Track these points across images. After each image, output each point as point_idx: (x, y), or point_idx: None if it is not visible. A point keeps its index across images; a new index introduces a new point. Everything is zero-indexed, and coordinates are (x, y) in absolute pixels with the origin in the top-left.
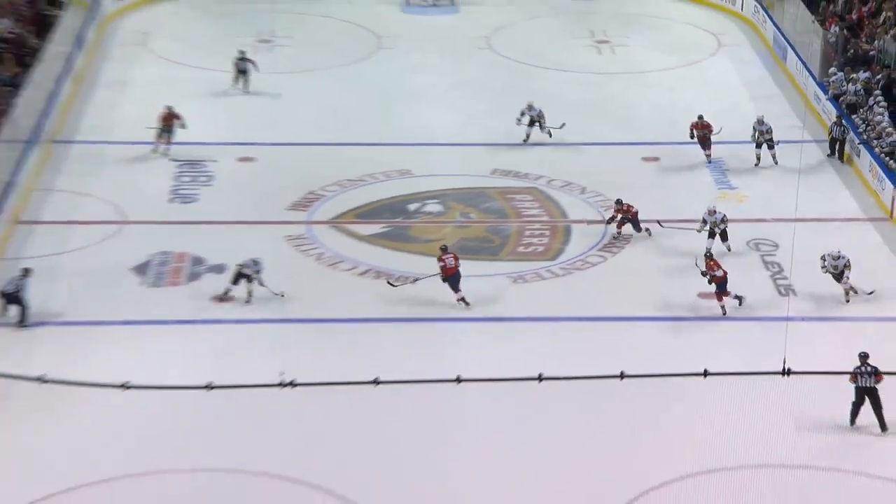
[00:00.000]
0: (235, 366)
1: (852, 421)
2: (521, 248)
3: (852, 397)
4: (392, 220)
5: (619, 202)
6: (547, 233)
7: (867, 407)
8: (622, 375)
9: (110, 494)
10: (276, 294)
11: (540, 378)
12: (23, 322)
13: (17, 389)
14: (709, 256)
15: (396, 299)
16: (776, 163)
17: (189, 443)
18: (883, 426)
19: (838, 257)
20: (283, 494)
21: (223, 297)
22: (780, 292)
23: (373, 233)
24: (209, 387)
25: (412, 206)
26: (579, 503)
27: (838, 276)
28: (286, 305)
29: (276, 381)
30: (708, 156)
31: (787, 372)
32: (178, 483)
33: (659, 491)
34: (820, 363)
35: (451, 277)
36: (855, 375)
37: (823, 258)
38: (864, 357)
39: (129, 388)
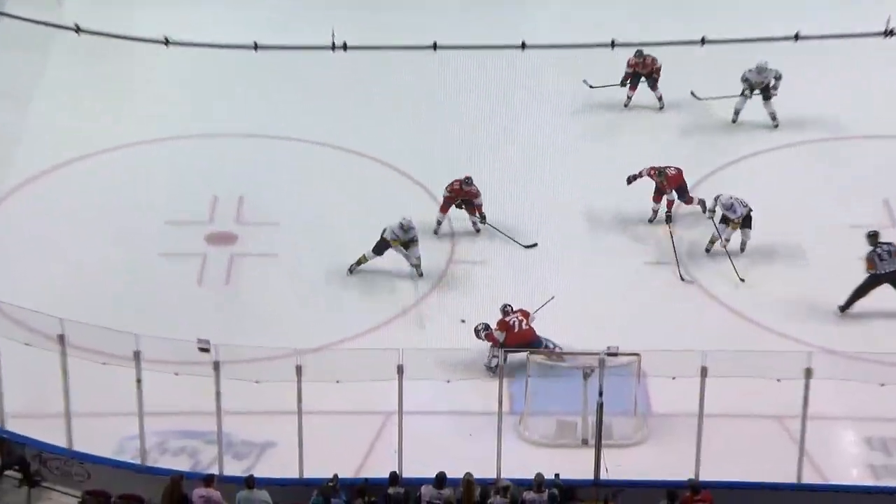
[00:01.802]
0: (285, 30)
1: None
2: None
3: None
4: None
5: (639, 53)
6: None
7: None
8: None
9: (139, 156)
10: None
11: (613, 44)
12: None
13: (53, 44)
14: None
15: None
16: (775, 123)
17: (236, 105)
18: None
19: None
20: (325, 158)
21: None
22: None
23: None
24: (256, 47)
25: None
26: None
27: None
28: None
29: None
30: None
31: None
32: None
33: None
34: None
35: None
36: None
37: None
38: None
39: (171, 43)
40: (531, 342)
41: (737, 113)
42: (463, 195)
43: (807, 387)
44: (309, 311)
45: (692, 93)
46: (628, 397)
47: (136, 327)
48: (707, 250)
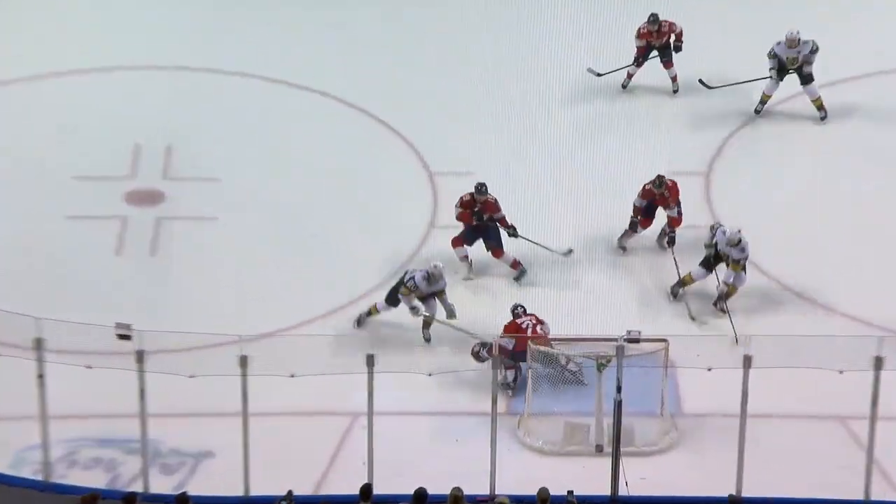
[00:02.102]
0: None
1: None
2: None
3: None
4: None
5: (653, 20)
6: None
7: None
8: None
9: (36, 94)
10: None
11: None
12: None
13: None
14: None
15: None
16: (822, 114)
17: (163, 29)
18: None
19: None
20: (279, 98)
21: None
22: None
23: None
24: None
25: None
26: None
27: None
28: None
29: None
30: None
31: None
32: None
33: None
34: None
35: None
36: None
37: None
38: None
39: None
40: None
41: (763, 102)
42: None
43: (876, 380)
44: (256, 288)
45: (700, 81)
46: (653, 393)
47: (37, 309)
48: (714, 304)
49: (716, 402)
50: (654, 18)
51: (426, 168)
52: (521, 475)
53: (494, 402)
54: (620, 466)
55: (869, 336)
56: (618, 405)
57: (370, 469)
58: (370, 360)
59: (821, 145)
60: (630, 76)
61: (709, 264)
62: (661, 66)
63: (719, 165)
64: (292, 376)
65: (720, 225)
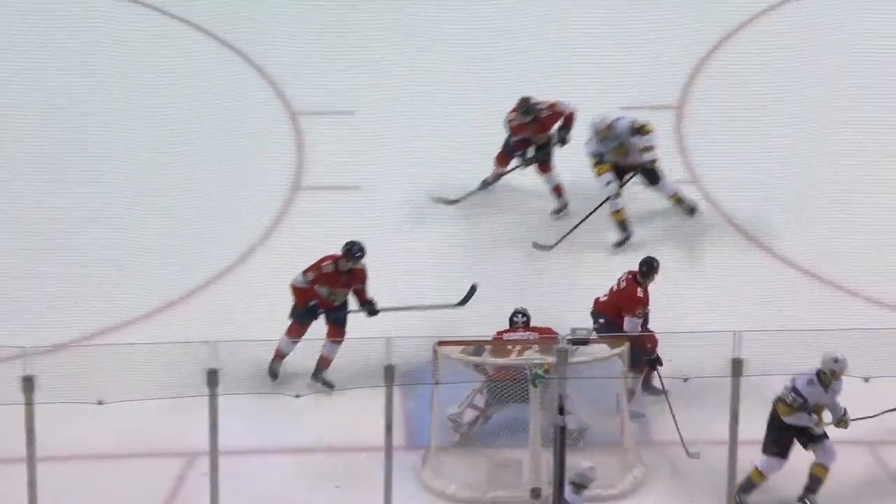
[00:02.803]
0: None
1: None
2: None
3: None
4: None
5: (525, 108)
6: None
7: None
8: None
9: None
10: None
11: None
12: None
13: None
14: None
15: None
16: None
17: None
18: None
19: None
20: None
21: None
22: None
23: None
24: None
25: None
26: None
27: None
28: None
29: None
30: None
31: None
32: None
33: None
34: None
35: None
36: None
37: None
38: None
39: None
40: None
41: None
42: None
43: None
44: (46, 286)
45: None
46: (610, 415)
47: None
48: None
49: (696, 426)
50: (525, 108)
51: (288, 108)
52: None
53: (389, 430)
54: None
55: None
56: (560, 432)
57: None
58: (212, 378)
59: None
60: (495, 178)
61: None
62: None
63: None
64: (100, 403)
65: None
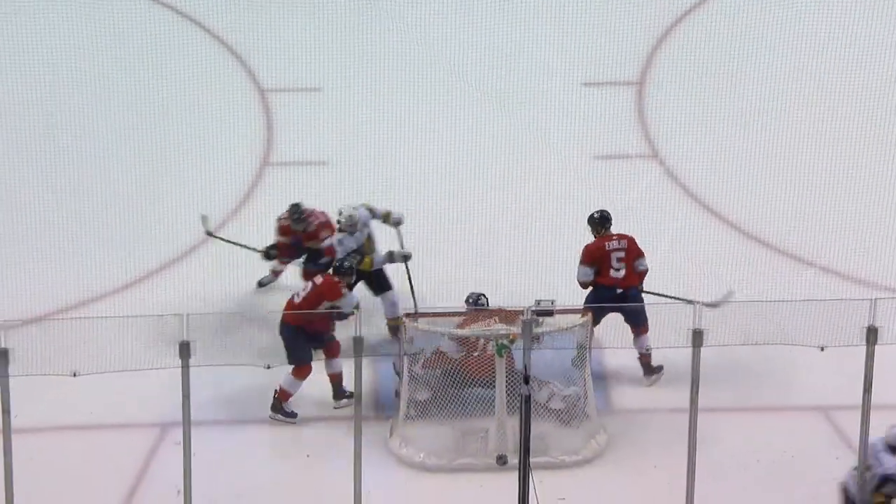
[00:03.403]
0: None
1: None
2: None
3: None
4: None
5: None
6: None
7: None
8: None
9: None
10: None
11: None
12: None
13: None
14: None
15: None
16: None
17: None
18: None
19: None
20: None
21: None
22: None
23: None
24: None
25: None
26: None
27: None
28: None
29: None
30: None
31: None
32: None
33: None
34: None
35: None
36: None
37: None
38: None
39: None
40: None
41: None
42: None
43: (870, 357)
44: (22, 260)
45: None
46: (573, 384)
47: None
48: None
49: (657, 394)
50: (296, 214)
51: (257, 85)
52: (396, 499)
53: (358, 401)
54: (531, 484)
55: (860, 300)
56: (525, 401)
57: (187, 501)
58: (184, 349)
59: None
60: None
61: None
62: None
63: None
64: (75, 375)
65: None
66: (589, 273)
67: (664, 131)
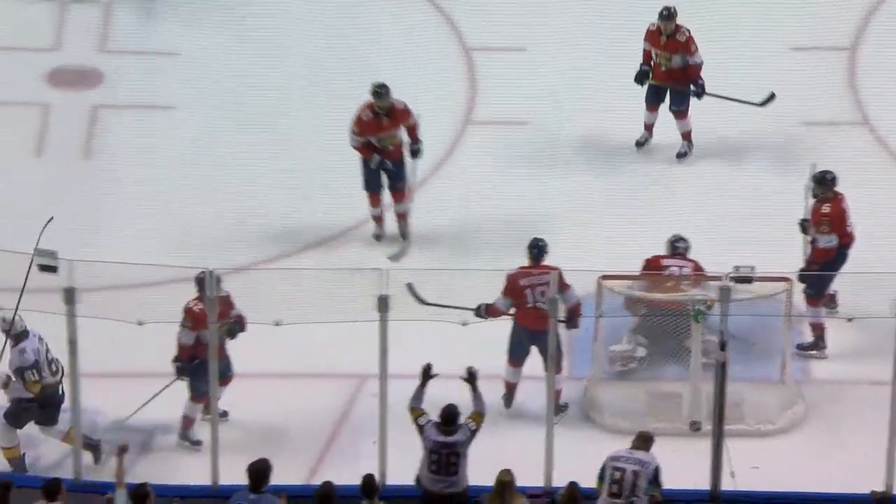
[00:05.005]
0: None
1: None
2: None
3: None
4: None
5: (667, 14)
6: None
7: None
8: None
9: None
10: None
11: None
12: None
13: None
14: None
15: None
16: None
17: None
18: None
19: None
20: None
21: None
22: None
23: None
24: None
25: None
26: None
27: None
28: None
29: None
30: None
31: None
32: None
33: None
34: None
35: None
36: None
37: None
38: None
39: None
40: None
41: None
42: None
43: None
44: (228, 204)
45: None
46: (771, 352)
47: None
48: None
49: (859, 365)
50: (668, 11)
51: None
52: (586, 460)
53: (551, 361)
54: (724, 451)
55: None
56: (721, 367)
57: (382, 453)
58: (383, 304)
59: None
60: (647, 135)
61: None
62: None
63: None
64: (277, 325)
65: None
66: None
67: (875, 98)
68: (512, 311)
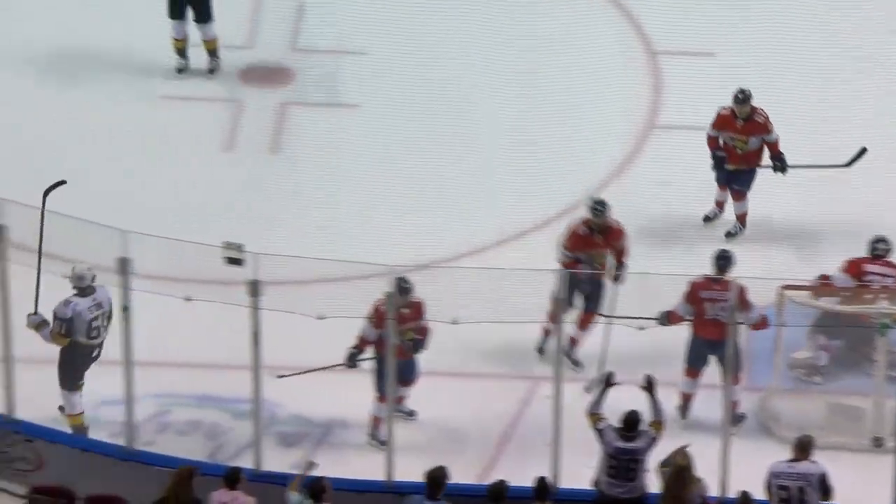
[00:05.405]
0: None
1: None
2: None
3: None
4: None
5: (742, 98)
6: None
7: None
8: None
9: None
10: None
11: None
12: None
13: None
14: None
15: None
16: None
17: None
18: None
19: None
20: None
21: None
22: None
23: None
24: None
25: None
26: None
27: None
28: None
29: None
30: None
31: None
32: None
33: None
34: None
35: None
36: None
37: None
38: None
39: None
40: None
41: None
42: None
43: None
44: (413, 202)
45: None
46: None
47: (116, 218)
48: None
49: None
50: (743, 95)
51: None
52: (762, 472)
53: (730, 365)
54: None
55: None
56: None
57: (555, 452)
58: (560, 306)
59: None
60: (717, 212)
61: None
62: None
63: None
64: (454, 323)
65: None
66: None
67: None
68: (689, 317)
